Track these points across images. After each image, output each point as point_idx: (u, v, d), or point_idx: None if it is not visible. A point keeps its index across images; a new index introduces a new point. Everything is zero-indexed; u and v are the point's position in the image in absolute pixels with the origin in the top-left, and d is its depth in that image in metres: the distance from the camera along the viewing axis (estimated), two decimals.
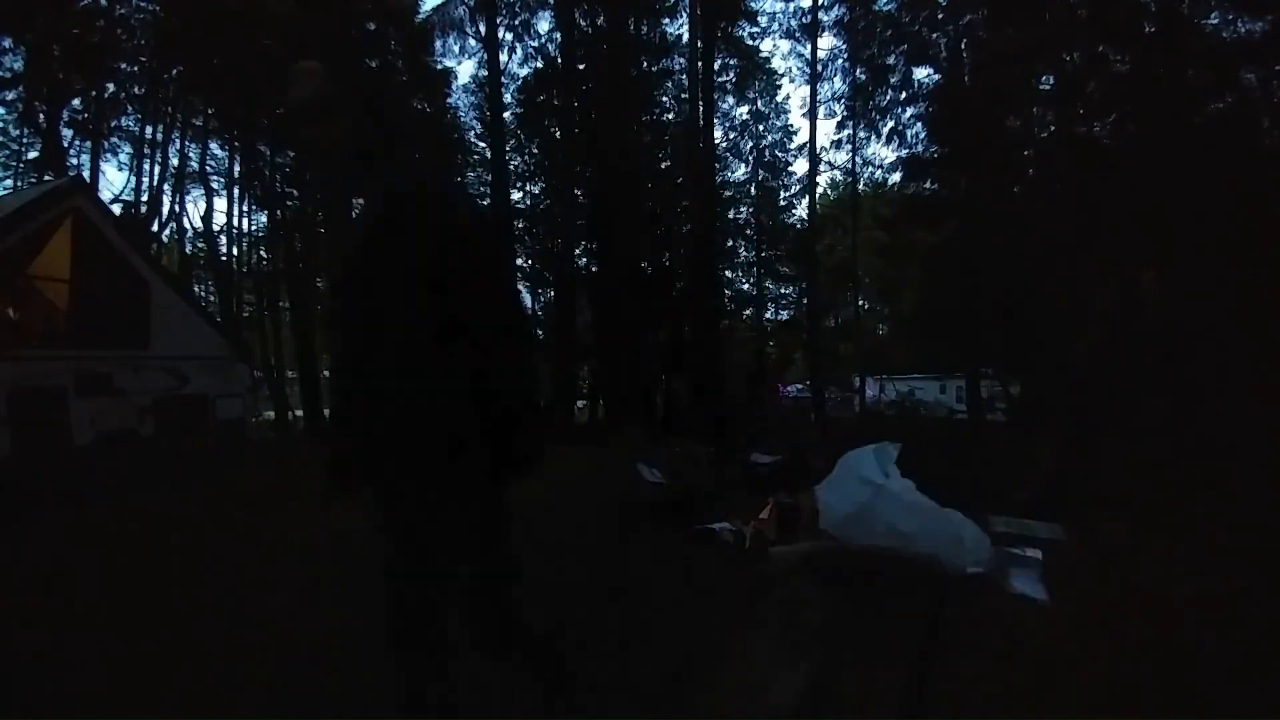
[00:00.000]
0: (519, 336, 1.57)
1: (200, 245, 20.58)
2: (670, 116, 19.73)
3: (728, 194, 23.09)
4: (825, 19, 18.73)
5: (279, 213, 18.75)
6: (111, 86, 17.02)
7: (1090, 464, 6.52)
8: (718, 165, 21.09)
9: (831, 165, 22.19)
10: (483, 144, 21.09)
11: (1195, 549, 3.93)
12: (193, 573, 3.79)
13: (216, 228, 20.37)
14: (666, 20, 18.92)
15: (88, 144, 17.20)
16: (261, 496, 6.11)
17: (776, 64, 21.90)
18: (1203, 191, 8.09)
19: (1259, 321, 7.26)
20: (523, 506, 1.54)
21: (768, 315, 25.38)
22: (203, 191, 19.62)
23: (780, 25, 20.11)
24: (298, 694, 2.32)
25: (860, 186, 21.77)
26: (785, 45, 25.69)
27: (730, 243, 23.06)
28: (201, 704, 2.31)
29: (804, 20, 19.17)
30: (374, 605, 1.61)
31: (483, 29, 18.12)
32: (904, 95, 17.52)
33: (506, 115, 19.29)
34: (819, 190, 22.81)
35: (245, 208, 20.15)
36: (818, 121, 22.84)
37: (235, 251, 20.79)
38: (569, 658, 1.87)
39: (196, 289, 19.62)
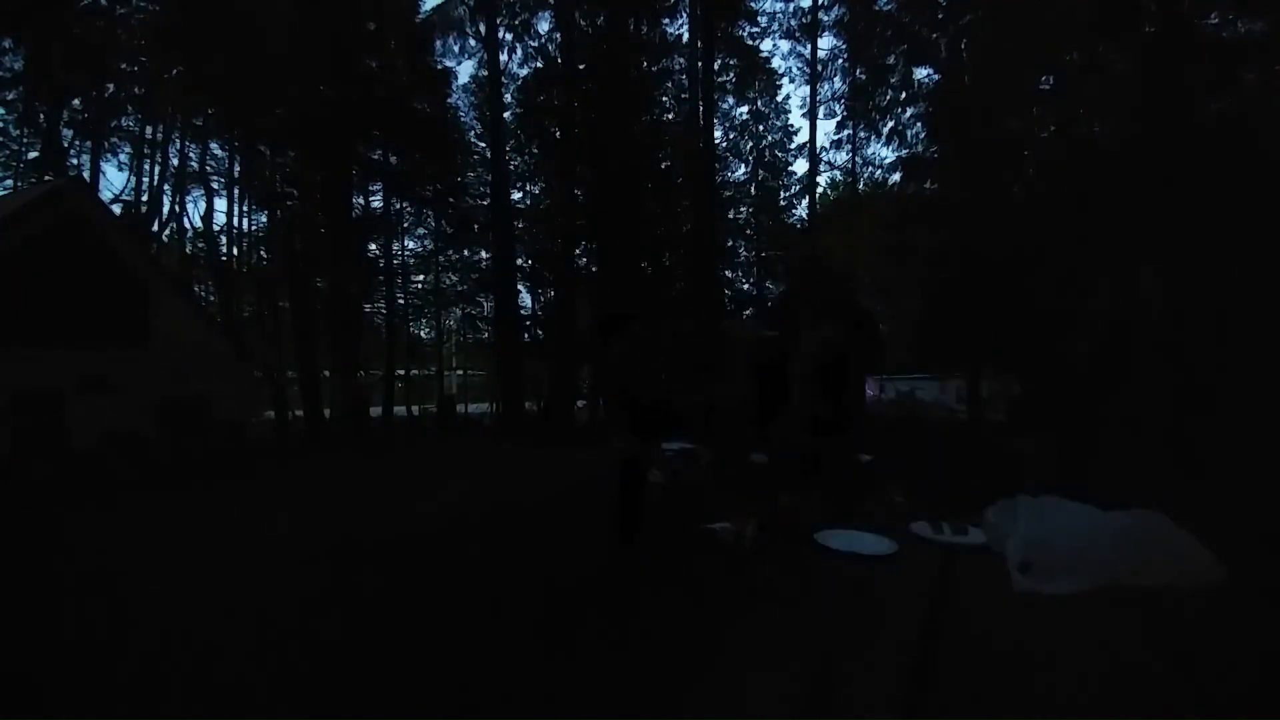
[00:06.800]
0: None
1: (200, 245, 20.59)
2: (670, 116, 19.71)
3: (728, 194, 23.05)
4: (825, 19, 18.80)
5: (279, 213, 18.74)
6: (111, 86, 17.05)
7: (1090, 463, 6.53)
8: (718, 165, 21.08)
9: (831, 165, 22.21)
10: (483, 144, 21.08)
11: None
12: None
13: (216, 228, 20.41)
14: (666, 20, 18.95)
15: (88, 144, 17.22)
16: None
17: (776, 64, 21.88)
18: (1202, 191, 8.09)
19: (1259, 321, 7.26)
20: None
21: None
22: (203, 191, 19.65)
23: (780, 25, 20.16)
24: None
25: (860, 186, 21.77)
26: (785, 45, 25.63)
27: (730, 243, 23.02)
28: None
29: (804, 20, 19.24)
30: None
31: (483, 29, 18.16)
32: (904, 95, 17.50)
33: (506, 115, 19.29)
34: (819, 190, 22.82)
35: (245, 208, 20.18)
36: (818, 121, 22.83)
37: (235, 251, 20.81)
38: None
39: (196, 289, 19.61)
